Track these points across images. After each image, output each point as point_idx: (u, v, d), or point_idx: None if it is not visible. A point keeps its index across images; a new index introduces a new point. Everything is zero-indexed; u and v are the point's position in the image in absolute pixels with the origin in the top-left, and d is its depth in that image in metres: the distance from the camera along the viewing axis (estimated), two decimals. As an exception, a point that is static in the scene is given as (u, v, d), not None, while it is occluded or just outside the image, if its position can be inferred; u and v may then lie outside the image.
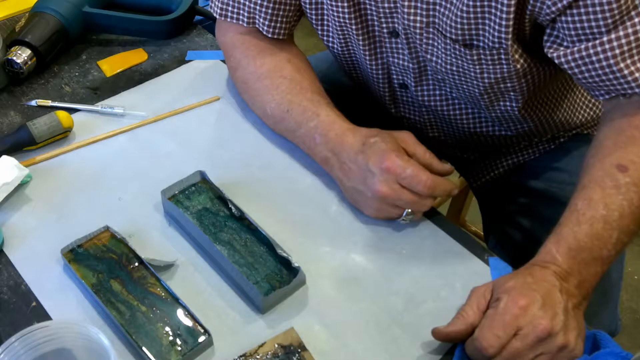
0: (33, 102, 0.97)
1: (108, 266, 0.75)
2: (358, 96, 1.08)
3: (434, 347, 0.70)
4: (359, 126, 0.84)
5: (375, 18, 0.88)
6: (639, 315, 1.74)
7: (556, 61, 0.78)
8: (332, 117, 0.85)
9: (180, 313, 0.71)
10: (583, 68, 0.76)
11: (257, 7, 0.92)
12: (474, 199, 1.34)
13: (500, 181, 1.09)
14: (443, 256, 0.79)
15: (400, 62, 0.92)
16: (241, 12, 0.93)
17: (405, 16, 0.83)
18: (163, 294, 0.73)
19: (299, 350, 0.69)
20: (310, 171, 0.89)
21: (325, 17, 0.93)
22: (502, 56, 0.82)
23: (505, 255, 0.80)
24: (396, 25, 0.86)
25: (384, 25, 0.87)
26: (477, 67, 0.84)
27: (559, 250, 0.71)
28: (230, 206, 0.81)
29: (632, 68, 0.74)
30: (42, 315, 0.72)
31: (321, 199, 0.85)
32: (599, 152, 0.76)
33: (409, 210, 0.79)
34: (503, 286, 0.69)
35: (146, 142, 0.92)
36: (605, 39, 0.73)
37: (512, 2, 0.75)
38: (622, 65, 0.74)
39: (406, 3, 0.82)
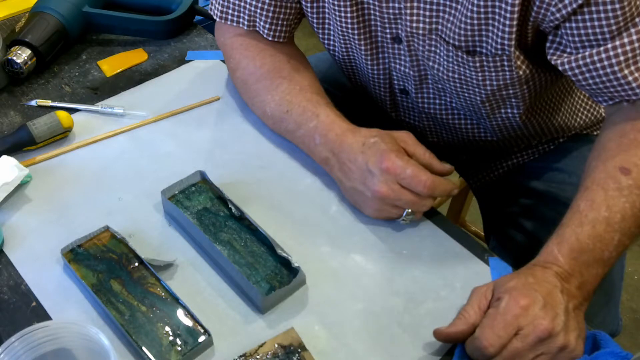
0: (33, 102, 0.97)
1: (108, 266, 0.75)
2: (358, 97, 1.08)
3: (434, 347, 0.70)
4: (359, 127, 0.84)
5: (379, 24, 0.87)
6: (639, 315, 1.74)
7: (560, 68, 0.78)
8: (331, 117, 0.85)
9: (180, 313, 0.71)
10: (587, 75, 0.76)
11: (258, 11, 0.91)
12: (474, 199, 1.34)
13: (500, 182, 1.09)
14: (443, 256, 0.79)
15: (402, 68, 0.92)
16: (242, 15, 0.93)
17: (409, 22, 0.83)
18: (163, 294, 0.73)
19: (299, 350, 0.69)
20: (310, 171, 0.89)
21: (327, 21, 0.93)
22: (505, 63, 0.82)
23: (506, 256, 0.80)
24: (399, 31, 0.86)
25: (387, 30, 0.87)
26: (480, 74, 0.84)
27: (561, 251, 0.71)
28: (230, 206, 0.81)
29: (637, 74, 0.74)
30: (42, 315, 0.72)
31: (321, 199, 0.85)
32: (602, 154, 0.76)
33: (409, 210, 0.79)
34: (504, 286, 0.69)
35: (146, 142, 0.92)
36: (609, 45, 0.73)
37: (516, 9, 0.75)
38: (626, 71, 0.74)
39: (408, 11, 0.82)
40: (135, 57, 1.07)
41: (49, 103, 0.97)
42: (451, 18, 0.80)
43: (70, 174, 0.87)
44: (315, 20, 0.93)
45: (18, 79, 1.00)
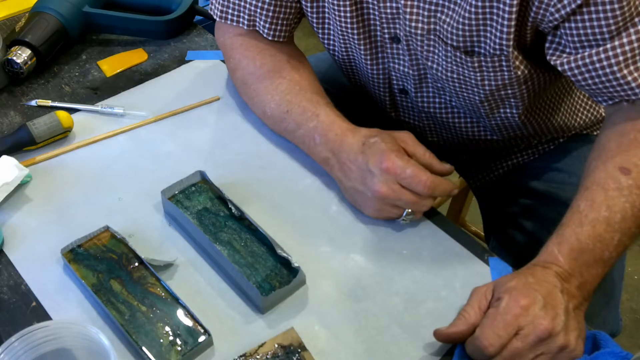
0: (33, 102, 0.97)
1: (108, 266, 0.75)
2: (358, 97, 1.08)
3: (434, 347, 0.70)
4: (359, 127, 0.84)
5: (377, 23, 0.87)
6: (639, 315, 1.74)
7: (559, 68, 0.78)
8: (331, 117, 0.85)
9: (180, 313, 0.71)
10: (586, 75, 0.76)
11: (258, 10, 0.91)
12: (474, 199, 1.34)
13: (501, 182, 1.09)
14: (443, 256, 0.79)
15: (401, 67, 0.92)
16: (242, 14, 0.93)
17: (407, 22, 0.83)
18: (163, 294, 0.73)
19: (299, 350, 0.69)
20: (310, 171, 0.89)
21: (327, 21, 0.93)
22: (504, 63, 0.82)
23: (506, 256, 0.80)
24: (398, 30, 0.86)
25: (386, 30, 0.87)
26: (478, 74, 0.84)
27: (561, 251, 0.71)
28: (230, 206, 0.81)
29: (636, 74, 0.74)
30: (42, 315, 0.72)
31: (321, 199, 0.85)
32: (602, 154, 0.76)
33: (409, 210, 0.79)
34: (504, 286, 0.69)
35: (146, 142, 0.92)
36: (609, 45, 0.73)
37: (514, 10, 0.75)
38: (625, 71, 0.74)
39: (408, 9, 0.82)
40: (135, 57, 1.07)
41: (49, 103, 0.97)
42: (449, 19, 0.80)
43: (70, 174, 0.87)
44: (315, 20, 0.93)
45: (18, 79, 1.00)
